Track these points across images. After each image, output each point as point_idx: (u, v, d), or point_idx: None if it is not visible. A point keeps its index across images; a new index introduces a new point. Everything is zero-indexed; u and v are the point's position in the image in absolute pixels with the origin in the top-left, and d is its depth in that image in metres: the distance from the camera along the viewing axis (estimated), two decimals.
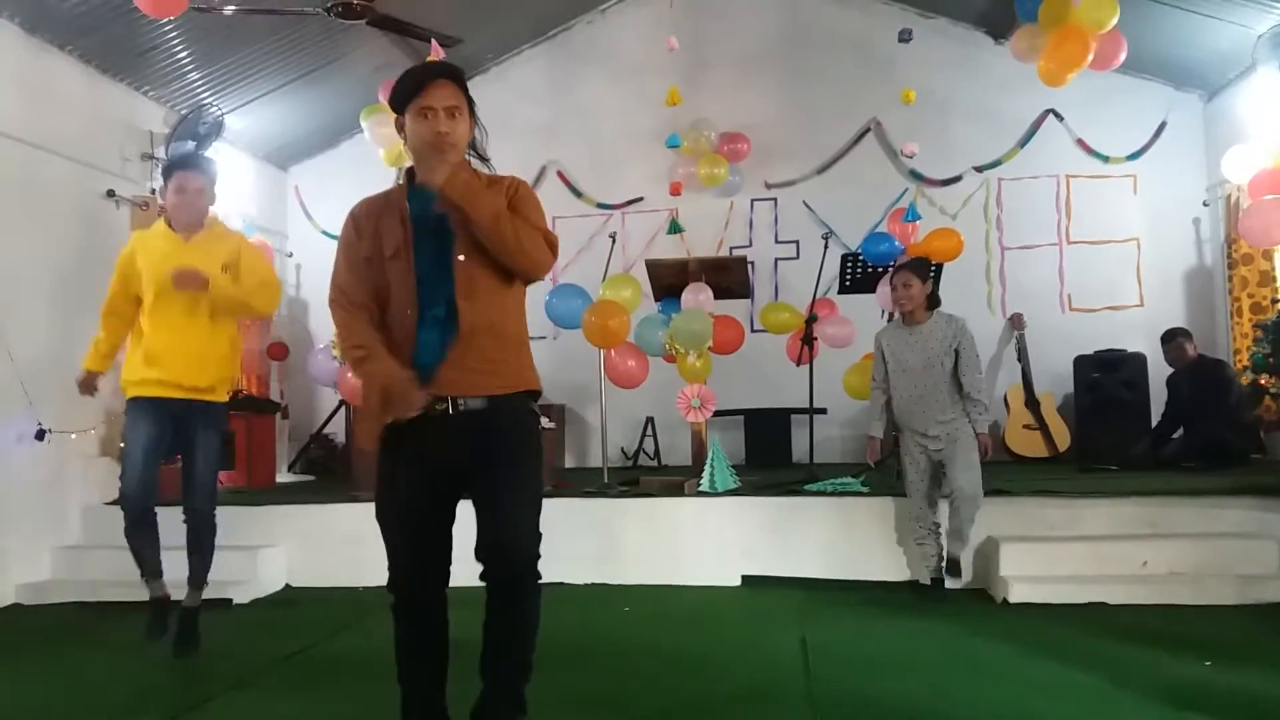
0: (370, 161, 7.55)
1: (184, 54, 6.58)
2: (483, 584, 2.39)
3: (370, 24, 5.37)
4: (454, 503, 2.49)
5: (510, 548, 2.38)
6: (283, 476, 7.86)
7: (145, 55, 6.43)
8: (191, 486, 4.01)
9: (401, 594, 2.47)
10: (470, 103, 2.50)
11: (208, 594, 4.15)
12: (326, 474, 7.95)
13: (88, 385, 4.13)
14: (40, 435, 5.45)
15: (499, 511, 2.39)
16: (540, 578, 2.45)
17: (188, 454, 4.01)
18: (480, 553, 2.38)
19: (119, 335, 4.06)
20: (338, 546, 5.50)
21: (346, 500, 5.67)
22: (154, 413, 3.91)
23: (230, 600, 5.00)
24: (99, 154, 6.37)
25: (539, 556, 2.44)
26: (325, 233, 8.51)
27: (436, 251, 2.41)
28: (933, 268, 6.13)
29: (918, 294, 4.71)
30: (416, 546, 2.43)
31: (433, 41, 5.94)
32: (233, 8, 5.45)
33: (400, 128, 2.49)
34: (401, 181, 2.58)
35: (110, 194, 6.37)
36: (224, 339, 4.04)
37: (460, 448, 2.39)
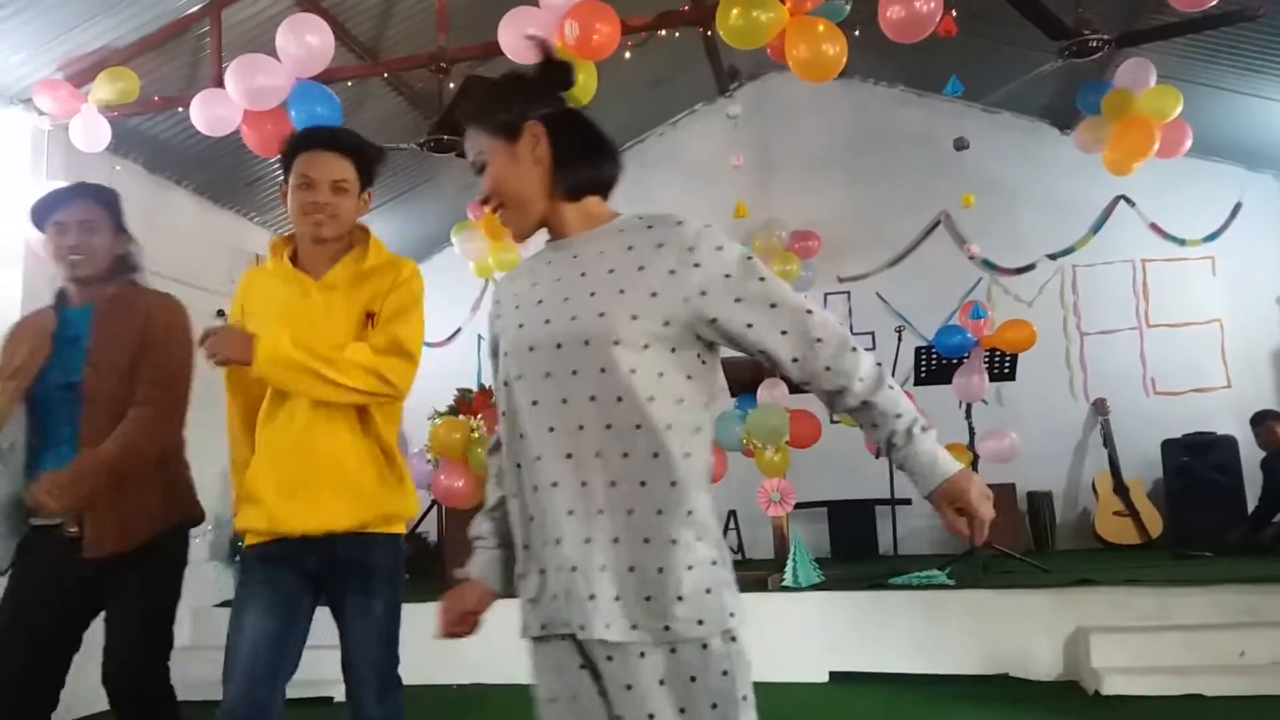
0: (461, 274, 7.98)
1: None
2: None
3: (459, 156, 5.76)
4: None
5: None
6: None
7: (252, 185, 6.97)
8: (351, 685, 2.40)
9: None
10: None
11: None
12: (419, 571, 8.17)
13: None
14: None
15: None
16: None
17: (341, 632, 2.43)
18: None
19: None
20: (429, 644, 5.63)
21: (437, 598, 5.85)
22: (274, 578, 2.37)
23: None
24: (210, 276, 6.86)
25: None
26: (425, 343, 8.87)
27: None
28: (1006, 357, 6.20)
29: None
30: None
31: None
32: None
33: None
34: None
35: (220, 313, 6.82)
36: (368, 443, 2.40)
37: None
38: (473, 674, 5.40)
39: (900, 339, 6.51)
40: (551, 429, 1.61)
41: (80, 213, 2.74)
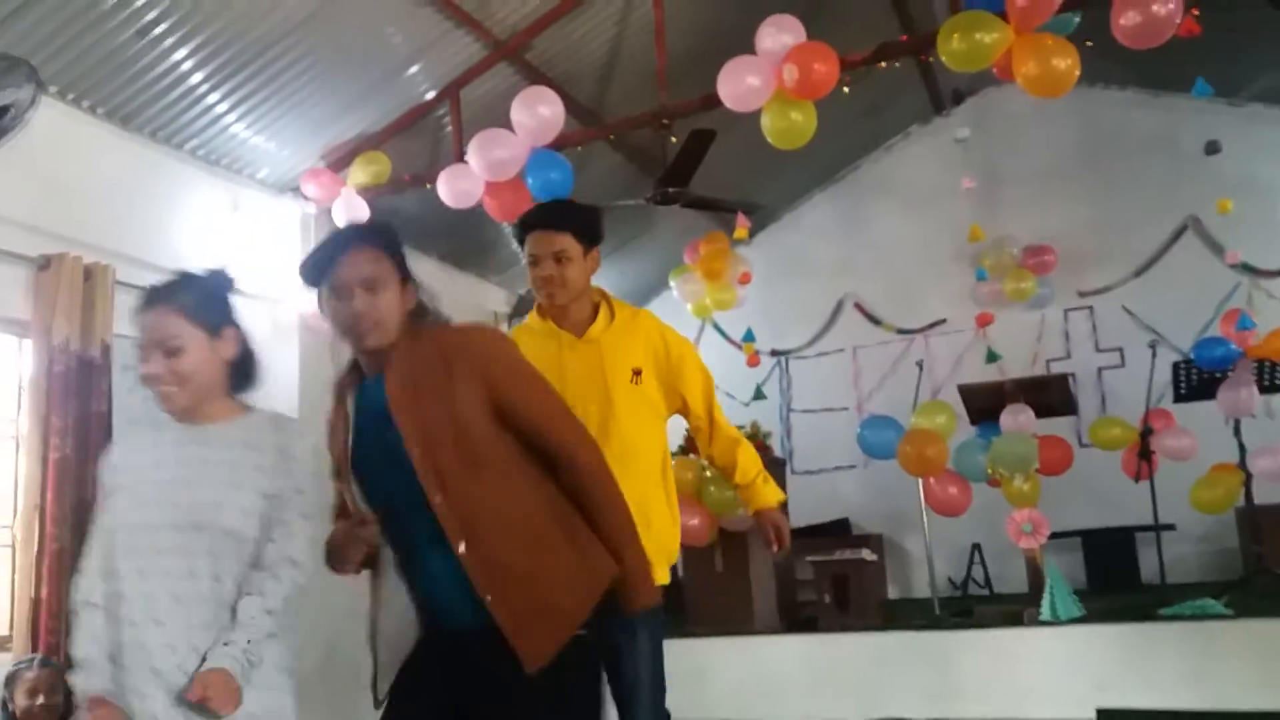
0: (679, 315, 8.17)
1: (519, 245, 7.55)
2: None
3: (684, 206, 5.93)
4: None
5: None
6: None
7: (487, 249, 7.44)
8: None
9: None
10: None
11: None
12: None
13: None
14: None
15: None
16: None
17: (609, 670, 2.42)
18: None
19: None
20: (677, 682, 5.71)
21: (682, 635, 5.89)
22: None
23: None
24: None
25: None
26: None
27: None
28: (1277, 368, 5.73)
29: None
30: None
31: (739, 213, 6.43)
32: None
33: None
34: None
35: None
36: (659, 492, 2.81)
37: None
38: (728, 710, 5.45)
39: (1155, 354, 6.08)
40: (154, 608, 1.96)
41: (365, 267, 2.09)
